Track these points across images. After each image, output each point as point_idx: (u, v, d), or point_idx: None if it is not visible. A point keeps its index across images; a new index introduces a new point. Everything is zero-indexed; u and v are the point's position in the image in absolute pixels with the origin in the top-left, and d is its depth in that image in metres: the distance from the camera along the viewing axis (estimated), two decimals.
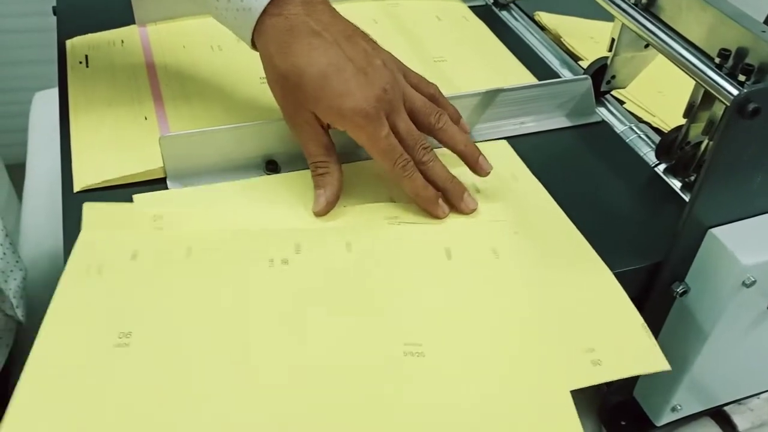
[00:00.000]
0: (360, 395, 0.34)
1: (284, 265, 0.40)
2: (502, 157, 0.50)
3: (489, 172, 0.46)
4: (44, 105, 0.87)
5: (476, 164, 0.46)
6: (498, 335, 0.38)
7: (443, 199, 0.44)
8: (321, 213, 0.44)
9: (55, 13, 0.63)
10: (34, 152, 0.81)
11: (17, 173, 1.33)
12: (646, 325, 0.38)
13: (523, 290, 0.40)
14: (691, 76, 0.41)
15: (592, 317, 0.39)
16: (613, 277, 0.40)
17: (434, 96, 0.47)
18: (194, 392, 0.34)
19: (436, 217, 0.44)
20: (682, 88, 0.49)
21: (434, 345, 0.37)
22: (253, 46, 0.45)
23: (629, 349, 0.37)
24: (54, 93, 0.88)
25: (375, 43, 0.46)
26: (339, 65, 0.42)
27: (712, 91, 0.39)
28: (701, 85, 0.42)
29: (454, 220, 0.44)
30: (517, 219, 0.44)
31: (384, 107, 0.42)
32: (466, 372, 0.36)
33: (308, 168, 0.45)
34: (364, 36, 0.45)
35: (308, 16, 0.43)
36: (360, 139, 0.43)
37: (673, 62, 0.43)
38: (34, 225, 0.71)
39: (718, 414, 0.52)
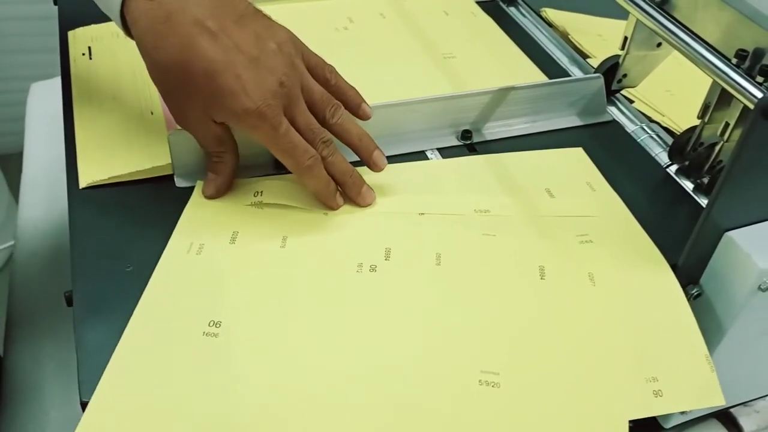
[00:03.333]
0: (428, 418, 0.34)
1: (372, 272, 0.40)
2: (577, 165, 0.49)
3: (383, 168, 0.44)
4: (41, 96, 0.85)
5: (370, 159, 0.44)
6: (570, 359, 0.37)
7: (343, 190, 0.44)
8: (210, 197, 0.43)
9: (55, 3, 0.62)
10: (31, 144, 0.79)
11: (9, 162, 1.32)
12: (709, 356, 0.38)
13: (605, 315, 0.39)
14: (710, 76, 0.41)
15: (660, 343, 0.38)
16: (687, 304, 0.40)
17: (328, 81, 0.44)
18: (270, 391, 0.34)
19: (331, 208, 0.43)
20: (692, 87, 0.49)
21: (511, 376, 0.36)
22: (127, 32, 0.42)
23: (691, 381, 0.37)
24: (51, 83, 0.87)
25: (269, 20, 0.42)
26: (227, 59, 0.38)
27: (734, 92, 0.39)
28: (721, 85, 0.41)
29: (547, 240, 0.43)
30: (597, 232, 0.43)
31: (281, 101, 0.40)
32: (537, 403, 0.35)
33: None
34: (256, 14, 0.42)
35: (187, 1, 0.39)
36: (258, 139, 0.40)
37: (692, 61, 0.42)
38: (33, 218, 0.70)
39: (725, 416, 0.52)
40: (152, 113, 0.50)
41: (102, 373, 0.34)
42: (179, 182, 0.45)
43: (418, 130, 0.49)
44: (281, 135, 0.40)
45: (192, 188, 0.44)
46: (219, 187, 0.43)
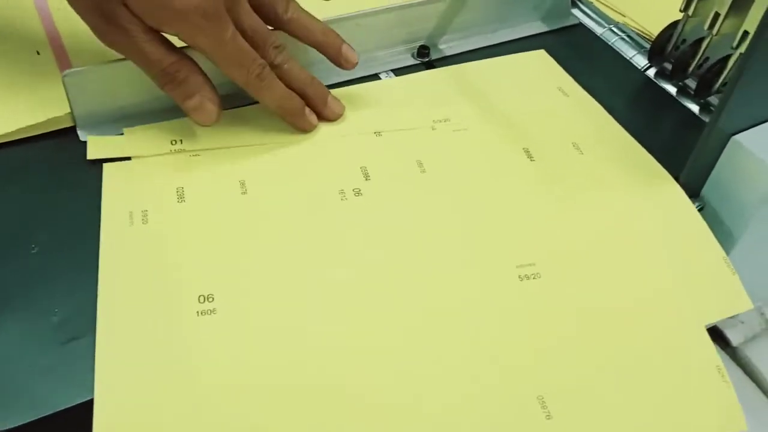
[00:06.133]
0: (482, 328, 0.30)
1: (358, 196, 0.34)
2: (543, 69, 0.44)
3: (356, 64, 0.39)
4: None
5: (339, 55, 0.38)
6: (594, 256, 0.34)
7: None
8: (213, 120, 0.35)
9: None
10: None
11: None
12: (727, 258, 0.33)
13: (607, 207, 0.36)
14: None
15: (673, 249, 0.34)
16: (691, 203, 0.36)
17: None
18: (297, 359, 0.29)
19: (303, 130, 0.37)
20: None
21: (547, 262, 0.33)
22: None
23: (712, 288, 0.33)
24: None
25: None
26: None
27: None
28: None
29: (531, 117, 0.40)
30: (584, 140, 0.39)
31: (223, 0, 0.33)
32: (583, 289, 0.32)
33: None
34: None
35: None
36: (200, 43, 0.33)
37: None
38: None
39: (711, 330, 0.49)
40: (38, 53, 0.40)
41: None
42: (83, 135, 0.36)
43: (367, 50, 0.42)
44: (228, 39, 0.33)
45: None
46: (214, 99, 0.35)
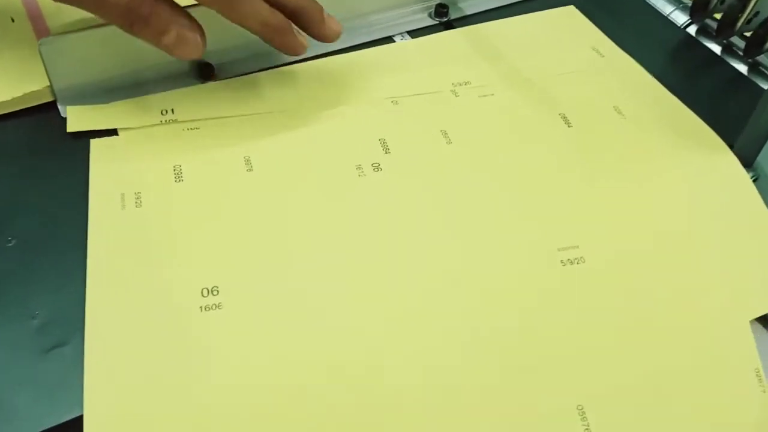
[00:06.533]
0: (521, 319, 0.27)
1: (377, 171, 0.31)
2: (574, 26, 0.40)
3: (340, 33, 0.33)
4: None
5: (322, 25, 0.32)
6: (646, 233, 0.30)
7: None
8: (200, 51, 0.30)
9: None
10: None
11: None
12: None
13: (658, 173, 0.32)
14: None
15: (729, 228, 0.30)
16: (747, 176, 0.32)
17: None
18: (315, 355, 0.25)
19: (294, 52, 0.32)
20: None
21: (591, 244, 0.29)
22: None
23: None
24: None
25: None
26: None
27: None
28: None
29: (568, 79, 0.36)
30: (625, 103, 0.35)
31: None
32: (632, 275, 0.29)
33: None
34: None
35: None
36: None
37: None
38: None
39: None
40: (13, 20, 0.36)
41: None
42: (65, 110, 0.32)
43: (380, 10, 0.38)
44: None
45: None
46: (195, 29, 0.30)
